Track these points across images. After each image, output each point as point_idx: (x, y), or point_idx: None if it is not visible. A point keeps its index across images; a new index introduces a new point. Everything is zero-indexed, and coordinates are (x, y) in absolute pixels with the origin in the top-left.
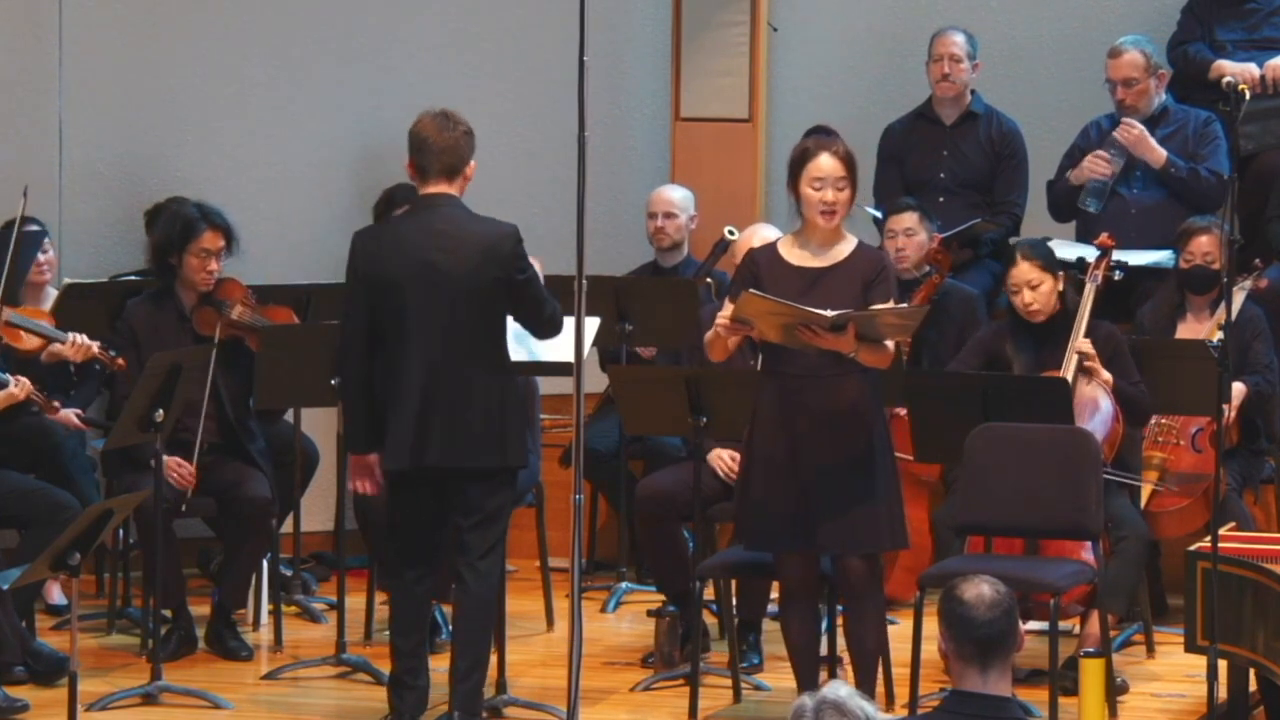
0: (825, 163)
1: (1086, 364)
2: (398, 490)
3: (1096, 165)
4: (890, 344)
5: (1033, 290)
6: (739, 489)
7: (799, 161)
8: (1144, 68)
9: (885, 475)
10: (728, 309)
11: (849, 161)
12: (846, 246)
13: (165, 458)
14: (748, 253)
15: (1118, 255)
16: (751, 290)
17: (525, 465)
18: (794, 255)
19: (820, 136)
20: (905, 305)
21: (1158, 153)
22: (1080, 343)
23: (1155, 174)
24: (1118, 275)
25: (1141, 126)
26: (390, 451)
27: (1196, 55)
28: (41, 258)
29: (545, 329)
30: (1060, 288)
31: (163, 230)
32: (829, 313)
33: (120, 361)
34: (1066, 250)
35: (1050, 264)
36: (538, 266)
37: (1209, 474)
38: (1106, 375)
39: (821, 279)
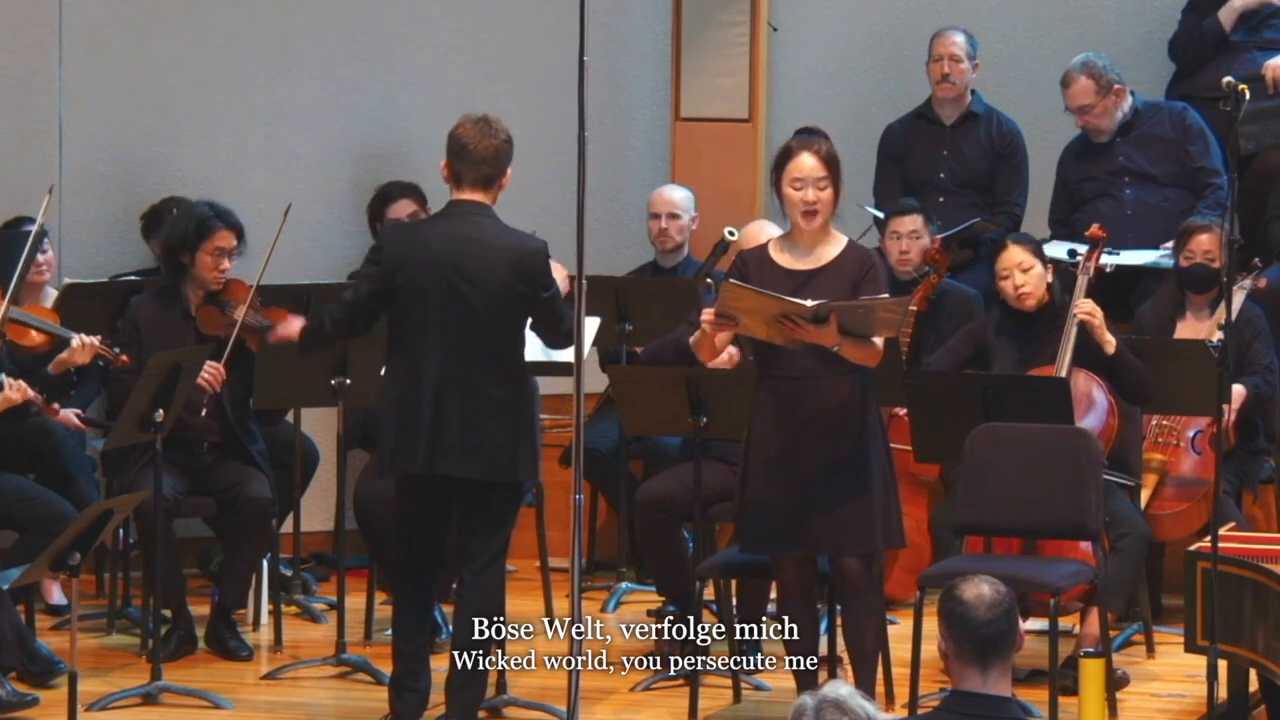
0: (805, 162)
1: (1093, 324)
2: (407, 494)
3: None
4: (879, 341)
5: (1024, 273)
6: (737, 492)
7: (780, 162)
8: (1094, 91)
9: (880, 475)
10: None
11: (830, 161)
12: (835, 247)
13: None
14: (738, 254)
15: (1109, 250)
16: (732, 280)
17: (535, 479)
18: (783, 257)
19: (804, 137)
20: (887, 296)
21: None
22: (1082, 304)
23: (1140, 182)
24: (1109, 268)
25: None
26: (404, 454)
27: (1210, 27)
28: (40, 258)
29: (561, 341)
30: (1050, 279)
31: (176, 228)
32: (809, 303)
33: (124, 358)
34: (1058, 247)
35: (1039, 252)
36: (560, 275)
37: (1207, 478)
38: (1110, 338)
39: (811, 280)
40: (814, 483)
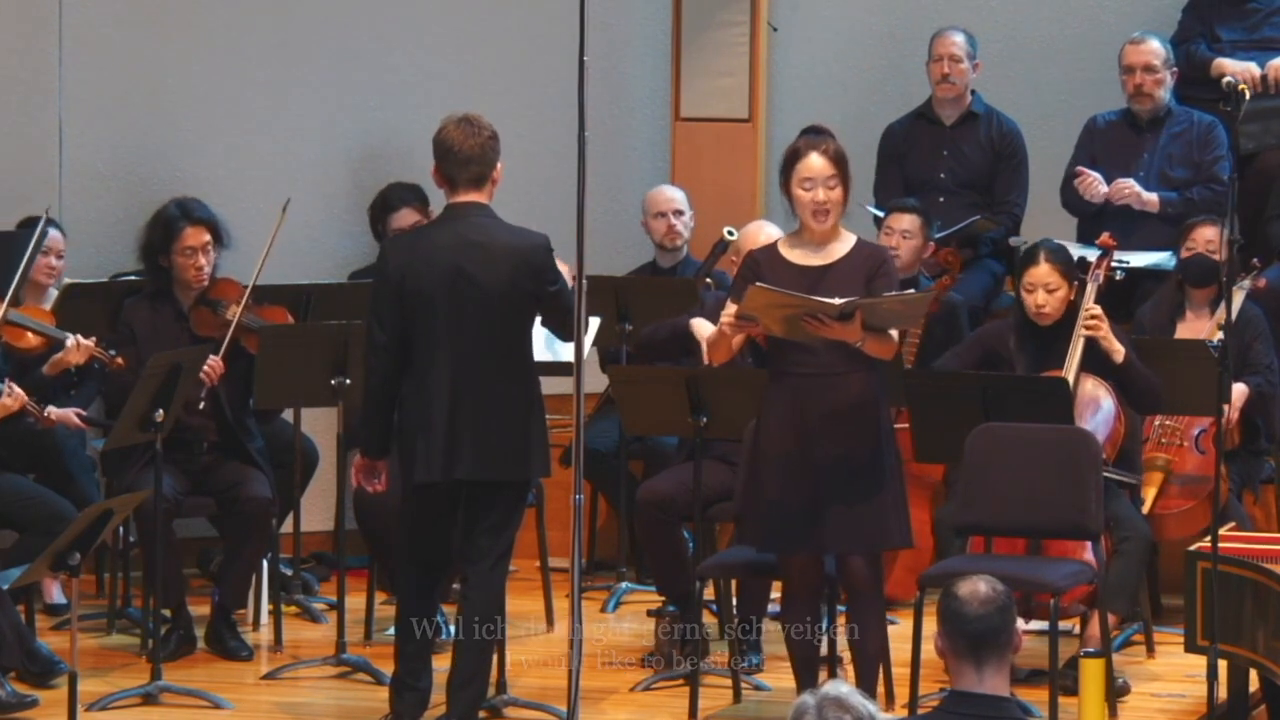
0: (815, 162)
1: (1099, 333)
2: (417, 497)
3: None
4: (895, 334)
5: (1048, 293)
6: (749, 491)
7: (789, 162)
8: (1164, 59)
9: (892, 473)
10: (730, 309)
11: (839, 160)
12: (845, 244)
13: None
14: (748, 254)
15: (1119, 255)
16: (759, 284)
17: (549, 474)
18: (794, 254)
19: (811, 136)
20: (911, 292)
21: (1150, 199)
22: (1087, 311)
23: (1155, 177)
24: (1119, 275)
25: (1131, 183)
26: (421, 463)
27: (1197, 54)
28: (57, 263)
29: (569, 333)
30: (1072, 296)
31: (147, 234)
32: (837, 301)
33: (119, 360)
34: (1069, 251)
35: (1069, 271)
36: (565, 272)
37: (1213, 476)
38: (1119, 346)
39: (824, 276)
40: (828, 480)
